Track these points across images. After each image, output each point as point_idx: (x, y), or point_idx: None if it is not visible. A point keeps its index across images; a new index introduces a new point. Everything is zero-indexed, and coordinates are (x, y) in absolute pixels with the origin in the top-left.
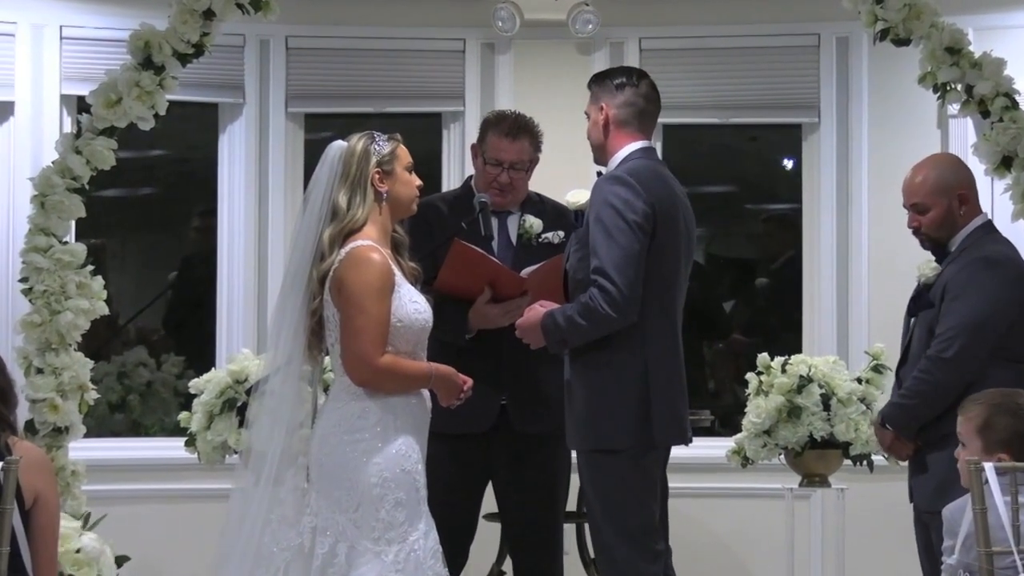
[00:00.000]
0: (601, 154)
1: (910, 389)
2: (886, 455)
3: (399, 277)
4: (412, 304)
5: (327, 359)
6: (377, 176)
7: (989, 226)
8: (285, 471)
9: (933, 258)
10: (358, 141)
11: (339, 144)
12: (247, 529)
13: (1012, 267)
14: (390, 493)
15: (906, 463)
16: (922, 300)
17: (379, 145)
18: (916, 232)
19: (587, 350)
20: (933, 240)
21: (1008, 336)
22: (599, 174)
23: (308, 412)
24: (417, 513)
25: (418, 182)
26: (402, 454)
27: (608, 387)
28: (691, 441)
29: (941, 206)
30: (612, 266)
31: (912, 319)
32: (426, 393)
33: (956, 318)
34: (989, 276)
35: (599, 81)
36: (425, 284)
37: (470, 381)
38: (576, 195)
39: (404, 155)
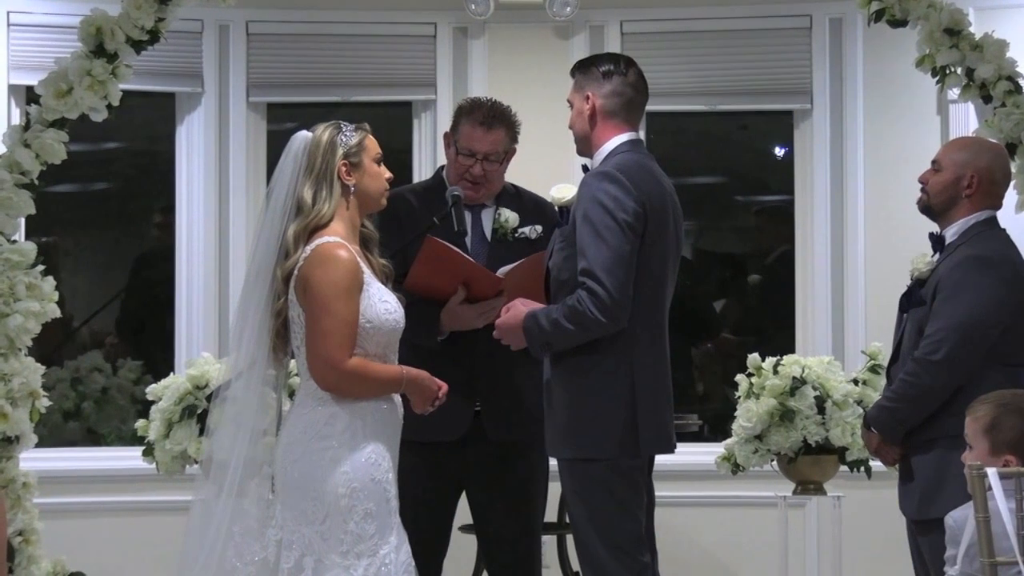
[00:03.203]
0: (585, 146)
1: (895, 391)
2: None
3: (368, 275)
4: (382, 304)
5: (292, 362)
6: (344, 168)
7: (992, 222)
8: (248, 481)
9: (929, 252)
10: (324, 131)
11: (303, 135)
12: (209, 543)
13: (1008, 267)
14: (359, 504)
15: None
16: (914, 296)
17: (346, 136)
18: (922, 189)
19: (571, 353)
20: (929, 203)
21: (1001, 340)
22: (584, 168)
23: (272, 419)
24: (388, 525)
25: (387, 174)
26: (372, 462)
27: (592, 393)
28: (675, 449)
29: (951, 174)
30: (601, 268)
31: (904, 315)
32: (398, 399)
33: (946, 319)
34: (983, 276)
35: (584, 68)
36: (395, 283)
37: (445, 386)
38: (561, 190)
39: (372, 146)
